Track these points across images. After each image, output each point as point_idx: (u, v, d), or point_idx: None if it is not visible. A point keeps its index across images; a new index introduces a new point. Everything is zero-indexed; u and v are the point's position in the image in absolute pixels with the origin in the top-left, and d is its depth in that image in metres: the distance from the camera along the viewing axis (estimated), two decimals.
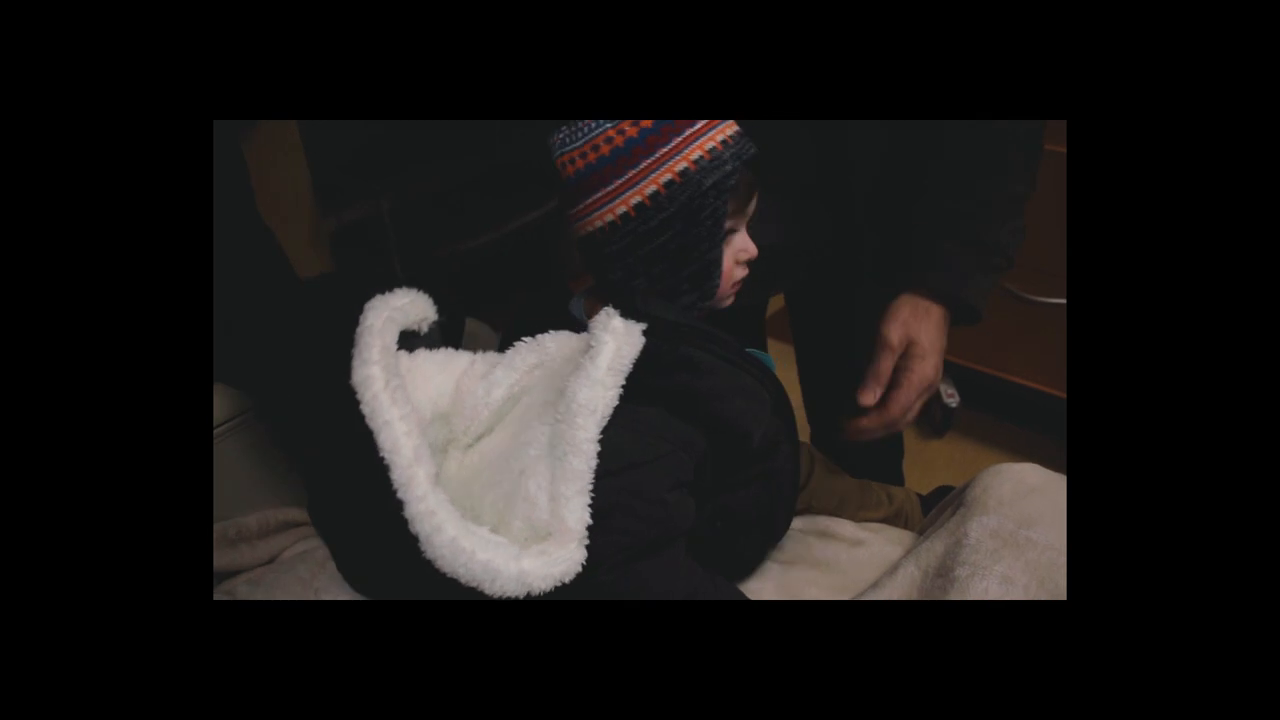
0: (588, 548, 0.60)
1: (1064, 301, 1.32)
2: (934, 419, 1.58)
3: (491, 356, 0.72)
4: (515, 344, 0.71)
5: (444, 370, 0.71)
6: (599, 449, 0.61)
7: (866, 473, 1.00)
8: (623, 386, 0.63)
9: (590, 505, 0.60)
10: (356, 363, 0.66)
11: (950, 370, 1.56)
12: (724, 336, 0.71)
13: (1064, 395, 1.55)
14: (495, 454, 0.68)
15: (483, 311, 1.01)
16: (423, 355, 0.72)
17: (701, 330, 0.69)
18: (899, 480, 1.22)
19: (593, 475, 0.61)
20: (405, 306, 0.71)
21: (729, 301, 0.75)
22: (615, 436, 0.62)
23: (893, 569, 0.80)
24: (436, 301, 0.75)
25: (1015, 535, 0.73)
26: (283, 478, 0.99)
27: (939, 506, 0.88)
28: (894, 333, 0.84)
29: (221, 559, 0.91)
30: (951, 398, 1.58)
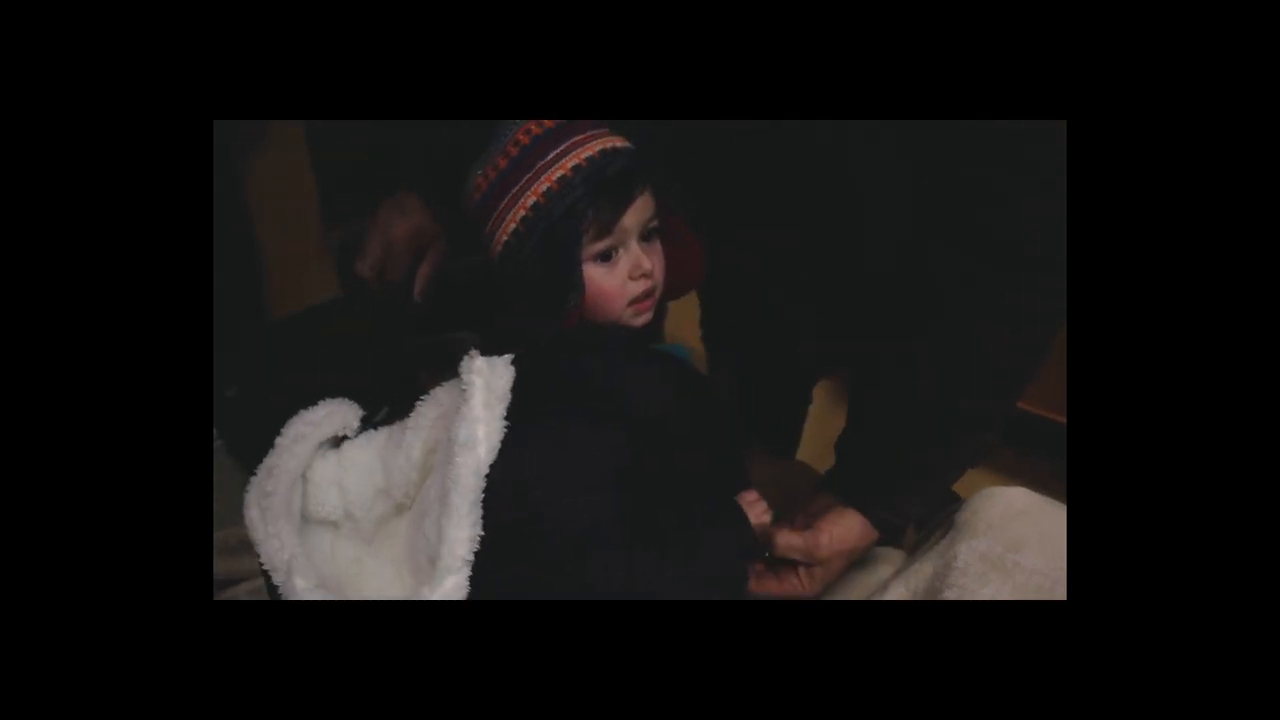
0: (513, 560, 0.66)
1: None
2: None
3: (402, 424, 0.77)
4: (415, 404, 0.76)
5: (367, 450, 0.77)
6: (485, 482, 0.66)
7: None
8: (509, 415, 0.68)
9: (486, 533, 0.66)
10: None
11: None
12: (611, 340, 0.75)
13: (1060, 419, 1.55)
14: (420, 506, 0.74)
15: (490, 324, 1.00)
16: (349, 445, 0.78)
17: (582, 339, 0.73)
18: None
19: (475, 507, 0.66)
20: (321, 420, 0.76)
21: (642, 319, 0.75)
22: (520, 458, 0.67)
23: (881, 589, 0.81)
24: (373, 395, 0.82)
25: (1003, 559, 0.74)
26: None
27: (930, 527, 0.89)
28: (823, 541, 0.77)
29: (222, 566, 0.91)
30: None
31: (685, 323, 1.67)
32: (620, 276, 0.73)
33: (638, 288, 0.73)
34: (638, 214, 0.72)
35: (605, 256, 0.72)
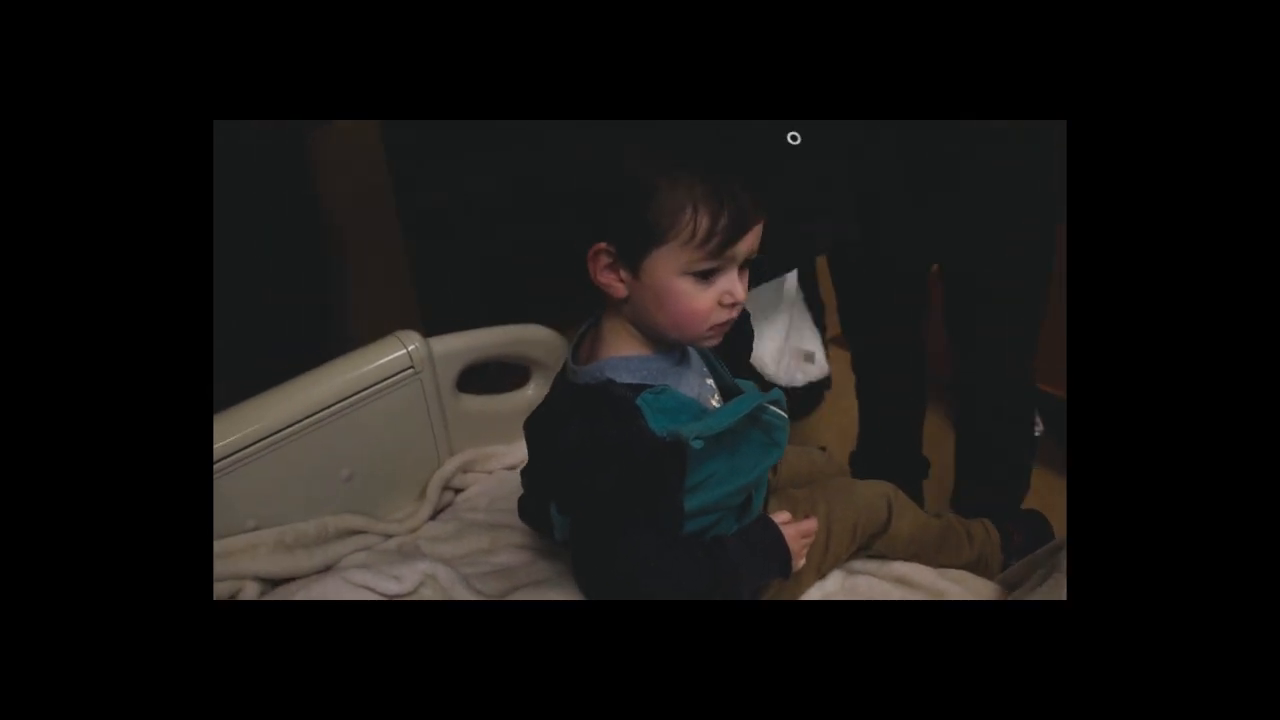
0: None
1: None
2: None
3: None
4: None
5: None
6: None
7: (979, 512, 1.01)
8: None
9: None
10: None
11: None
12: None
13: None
14: None
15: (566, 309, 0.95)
16: None
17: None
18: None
19: None
20: None
21: (713, 341, 0.74)
22: None
23: None
24: None
25: None
26: (341, 485, 1.00)
27: (1028, 561, 0.84)
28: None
29: (276, 564, 0.91)
30: (1036, 426, 1.47)
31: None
32: (711, 299, 0.69)
33: (723, 315, 0.71)
34: (750, 241, 0.69)
35: (705, 275, 0.68)
